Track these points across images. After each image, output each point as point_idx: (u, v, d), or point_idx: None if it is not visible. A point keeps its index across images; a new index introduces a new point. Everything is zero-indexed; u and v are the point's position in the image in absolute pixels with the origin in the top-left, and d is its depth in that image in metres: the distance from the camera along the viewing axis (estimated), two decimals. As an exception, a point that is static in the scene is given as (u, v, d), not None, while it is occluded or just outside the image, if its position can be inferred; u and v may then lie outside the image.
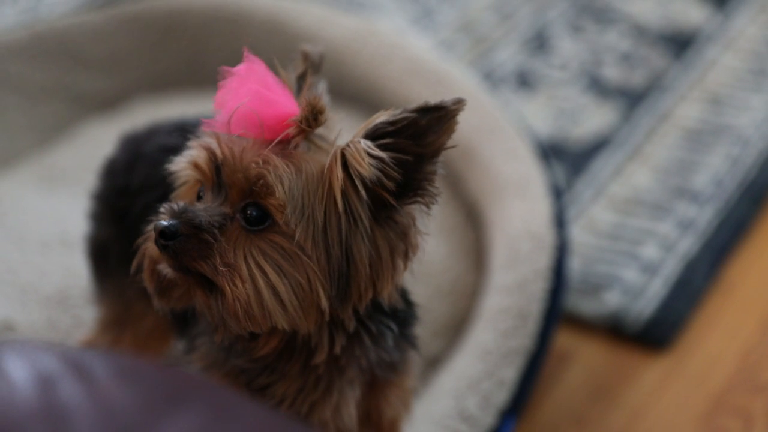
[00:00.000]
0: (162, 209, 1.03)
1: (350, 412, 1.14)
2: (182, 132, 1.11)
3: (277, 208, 1.01)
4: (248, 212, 1.03)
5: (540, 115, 2.22)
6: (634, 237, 1.90)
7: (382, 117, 1.02)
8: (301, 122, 1.02)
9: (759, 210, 1.98)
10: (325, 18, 2.03)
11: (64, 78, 2.06)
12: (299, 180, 1.02)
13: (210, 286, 1.03)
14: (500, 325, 1.50)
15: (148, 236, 1.05)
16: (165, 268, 1.04)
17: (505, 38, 2.47)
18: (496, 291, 1.55)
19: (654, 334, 1.73)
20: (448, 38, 2.45)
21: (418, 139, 1.01)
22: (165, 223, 1.01)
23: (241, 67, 1.04)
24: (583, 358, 1.70)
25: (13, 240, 1.73)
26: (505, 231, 1.62)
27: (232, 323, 1.03)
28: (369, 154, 1.00)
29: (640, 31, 2.48)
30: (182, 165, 1.07)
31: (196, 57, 2.07)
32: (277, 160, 1.01)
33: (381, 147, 1.01)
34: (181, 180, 1.09)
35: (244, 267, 1.02)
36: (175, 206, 1.03)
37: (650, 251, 1.87)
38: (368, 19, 2.13)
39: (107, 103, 2.07)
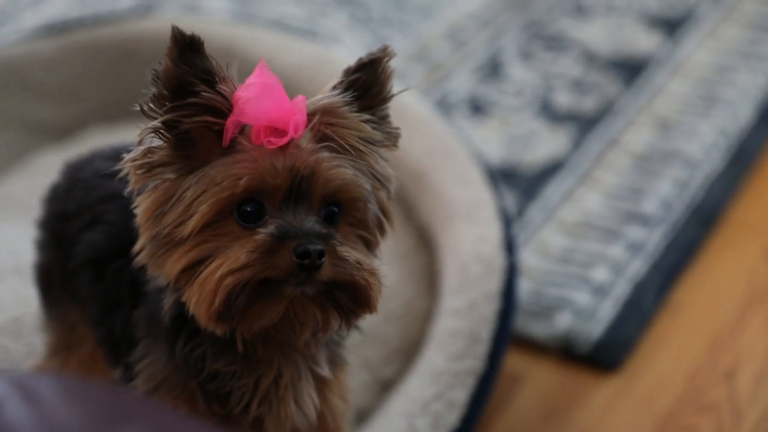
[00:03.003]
0: (281, 232, 1.02)
1: (315, 402, 1.16)
2: (120, 157, 1.11)
3: (360, 199, 1.07)
4: (327, 212, 1.06)
5: (493, 140, 2.24)
6: (584, 260, 1.93)
7: (329, 91, 1.09)
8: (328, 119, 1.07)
9: (706, 233, 2.01)
10: (280, 45, 2.04)
11: (17, 107, 2.06)
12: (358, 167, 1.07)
13: (329, 294, 1.05)
14: (451, 348, 1.52)
15: (231, 261, 1.02)
16: (292, 289, 1.03)
17: (459, 66, 2.50)
18: (448, 314, 1.57)
19: (604, 356, 1.75)
20: (402, 66, 2.47)
21: (368, 92, 1.11)
22: (310, 245, 1.01)
23: (259, 76, 1.05)
24: (534, 380, 1.72)
25: (-34, 268, 1.73)
26: (456, 255, 1.64)
27: (365, 313, 1.08)
28: (361, 120, 1.08)
29: (591, 58, 2.52)
30: (231, 182, 1.04)
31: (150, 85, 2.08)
32: (346, 160, 1.06)
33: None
34: (217, 197, 1.04)
35: (362, 259, 1.06)
36: (290, 226, 1.03)
37: (601, 274, 1.89)
38: (323, 46, 2.15)
39: (61, 132, 2.07)
